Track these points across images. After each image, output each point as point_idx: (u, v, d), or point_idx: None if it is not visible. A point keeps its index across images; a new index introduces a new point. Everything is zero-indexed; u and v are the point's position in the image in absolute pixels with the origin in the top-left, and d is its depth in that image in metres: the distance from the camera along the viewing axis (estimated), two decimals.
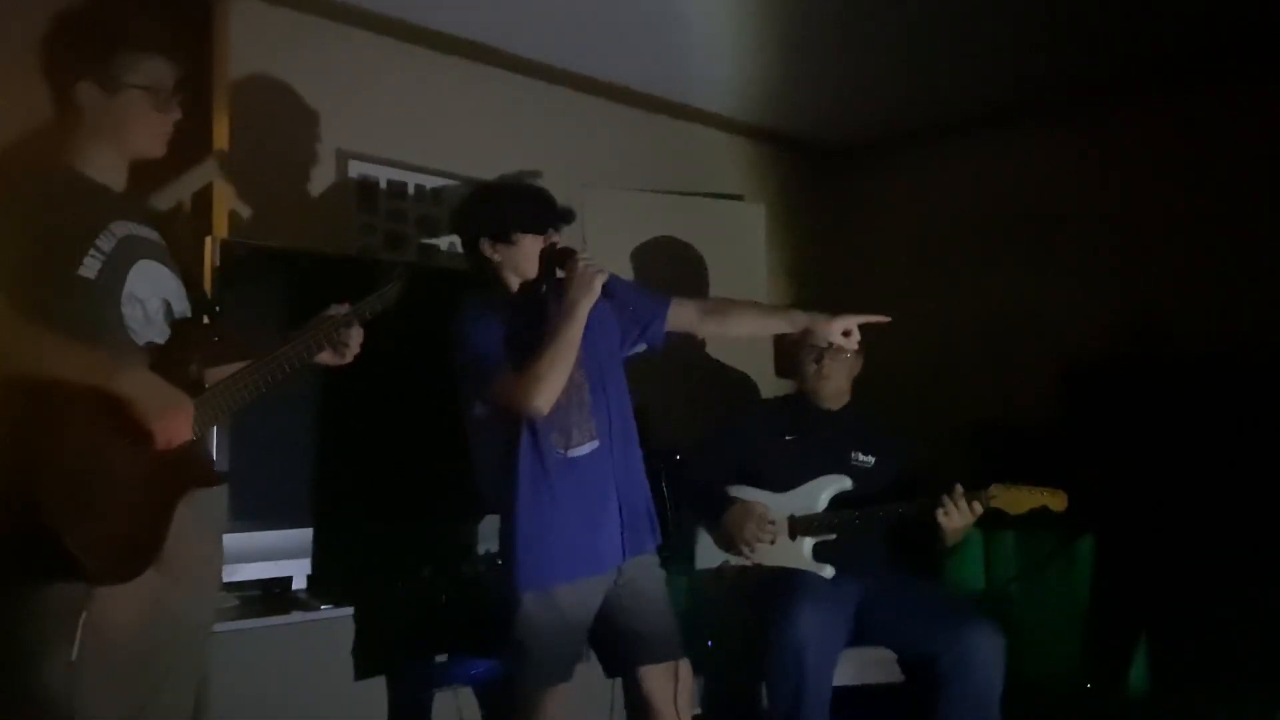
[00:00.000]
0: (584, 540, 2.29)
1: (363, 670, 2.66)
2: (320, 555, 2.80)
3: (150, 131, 1.89)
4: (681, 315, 2.55)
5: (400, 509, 3.00)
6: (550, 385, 2.20)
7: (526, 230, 2.34)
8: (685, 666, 2.41)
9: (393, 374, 2.89)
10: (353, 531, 2.89)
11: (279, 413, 2.49)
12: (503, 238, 2.34)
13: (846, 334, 2.51)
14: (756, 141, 4.79)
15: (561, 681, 2.29)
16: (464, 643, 2.91)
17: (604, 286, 2.27)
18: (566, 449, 2.29)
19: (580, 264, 2.28)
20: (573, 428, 2.30)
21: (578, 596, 2.29)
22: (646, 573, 2.41)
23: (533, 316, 2.33)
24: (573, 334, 2.23)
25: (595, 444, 2.32)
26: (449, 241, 3.65)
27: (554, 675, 2.28)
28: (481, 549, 3.06)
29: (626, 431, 2.40)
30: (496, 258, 2.36)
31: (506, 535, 2.28)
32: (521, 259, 2.36)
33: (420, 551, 2.99)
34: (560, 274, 2.32)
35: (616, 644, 2.38)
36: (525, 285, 2.39)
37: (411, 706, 2.77)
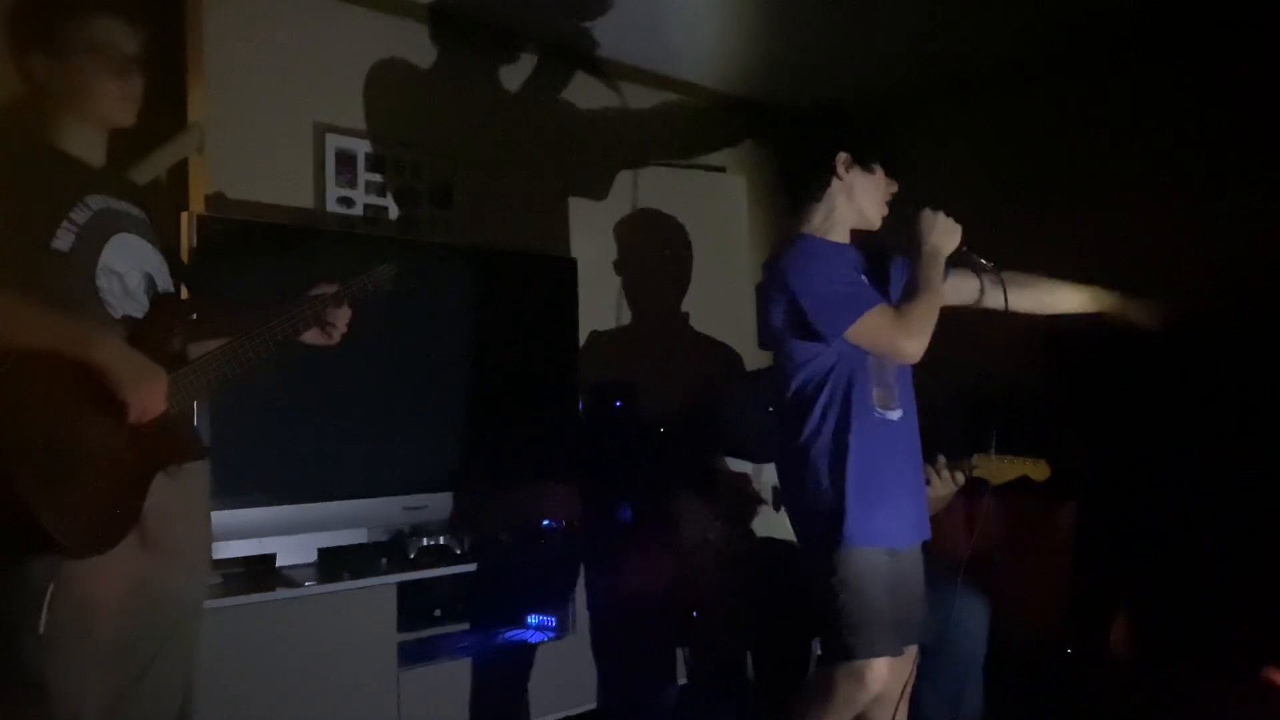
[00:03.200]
0: (909, 505, 2.22)
1: None
2: None
3: (109, 97, 1.83)
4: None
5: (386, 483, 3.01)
6: (927, 332, 2.11)
7: (884, 163, 2.24)
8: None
9: (376, 349, 2.89)
10: None
11: (262, 389, 2.47)
12: (864, 162, 2.22)
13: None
14: (738, 112, 4.76)
15: (889, 654, 2.12)
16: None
17: None
18: (886, 410, 2.21)
19: (941, 214, 2.20)
20: (887, 389, 2.22)
21: (904, 562, 2.19)
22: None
23: (874, 263, 2.24)
24: (939, 283, 2.16)
25: (900, 411, 2.25)
26: (429, 215, 3.63)
27: (886, 644, 2.12)
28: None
29: (914, 406, 2.32)
30: (846, 179, 2.23)
31: (826, 488, 2.13)
32: (871, 189, 2.24)
33: None
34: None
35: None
36: (851, 225, 2.26)
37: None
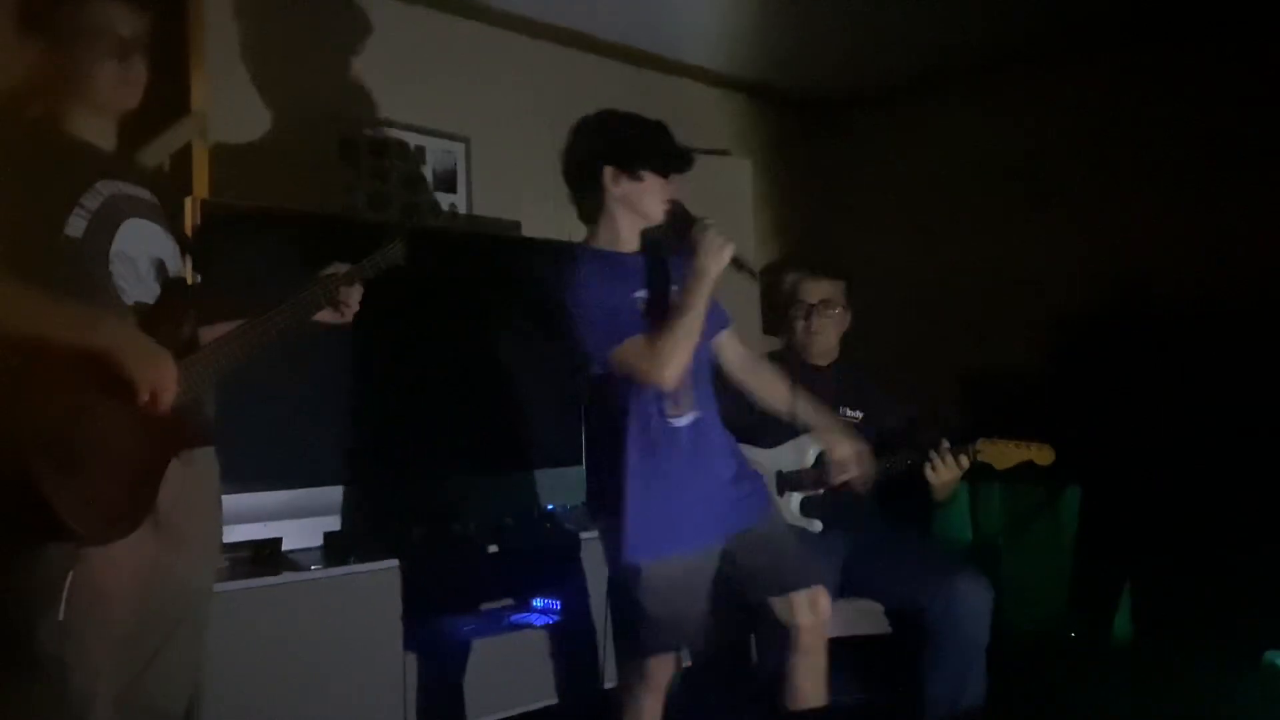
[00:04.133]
0: (694, 511, 2.22)
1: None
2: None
3: (111, 80, 1.81)
4: (729, 344, 2.50)
5: (392, 467, 3.02)
6: (681, 358, 2.12)
7: (654, 168, 2.21)
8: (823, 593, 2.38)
9: (383, 334, 2.89)
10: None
11: (270, 374, 2.48)
12: (629, 170, 2.20)
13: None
14: (743, 95, 4.75)
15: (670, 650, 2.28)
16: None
17: None
18: (676, 417, 2.22)
19: (710, 231, 2.15)
20: (681, 395, 2.22)
21: (690, 566, 2.23)
22: (763, 527, 2.37)
23: (654, 275, 2.24)
24: (702, 304, 2.14)
25: (696, 414, 2.25)
26: (431, 200, 3.63)
27: (667, 643, 2.26)
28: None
29: (713, 406, 2.34)
30: (617, 191, 2.22)
31: (613, 500, 2.17)
32: (644, 197, 2.22)
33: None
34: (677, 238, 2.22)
35: (747, 585, 2.38)
36: (640, 229, 2.26)
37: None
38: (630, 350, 2.13)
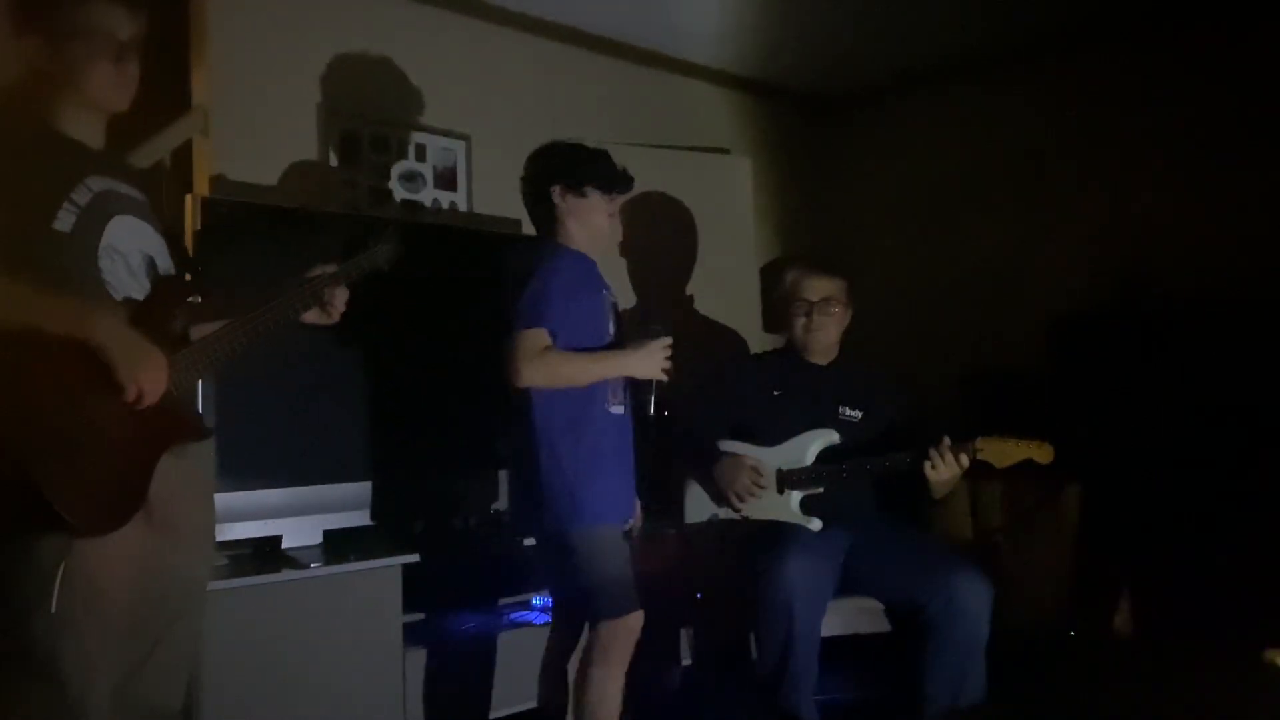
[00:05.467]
0: (623, 487, 2.51)
1: None
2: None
3: (103, 82, 1.82)
4: None
5: (393, 464, 3.02)
6: (549, 380, 2.36)
7: (597, 186, 2.50)
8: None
9: (380, 329, 2.89)
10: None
11: (268, 371, 2.48)
12: (574, 188, 2.48)
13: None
14: (742, 93, 4.74)
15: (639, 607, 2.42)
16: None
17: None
18: (614, 406, 2.48)
19: (664, 347, 2.46)
20: (617, 390, 2.49)
21: (619, 536, 2.46)
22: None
23: (595, 298, 2.50)
24: (602, 375, 2.42)
25: (621, 409, 2.50)
26: (432, 197, 3.63)
27: (632, 602, 2.41)
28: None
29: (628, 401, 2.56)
30: (564, 205, 2.48)
31: (566, 473, 2.38)
32: (588, 211, 2.50)
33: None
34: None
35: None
36: (586, 240, 2.52)
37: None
38: (523, 340, 2.33)
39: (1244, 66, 3.74)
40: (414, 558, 2.80)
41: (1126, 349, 3.77)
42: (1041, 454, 2.65)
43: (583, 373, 2.40)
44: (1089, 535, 3.43)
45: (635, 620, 2.41)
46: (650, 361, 2.46)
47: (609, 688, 2.39)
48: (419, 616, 2.86)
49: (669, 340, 2.47)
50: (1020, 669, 2.93)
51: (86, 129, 1.85)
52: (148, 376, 1.73)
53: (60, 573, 1.65)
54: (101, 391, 1.69)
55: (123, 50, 1.84)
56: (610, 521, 2.43)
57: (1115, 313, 3.92)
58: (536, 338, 2.33)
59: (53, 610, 1.64)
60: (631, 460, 2.55)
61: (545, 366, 2.34)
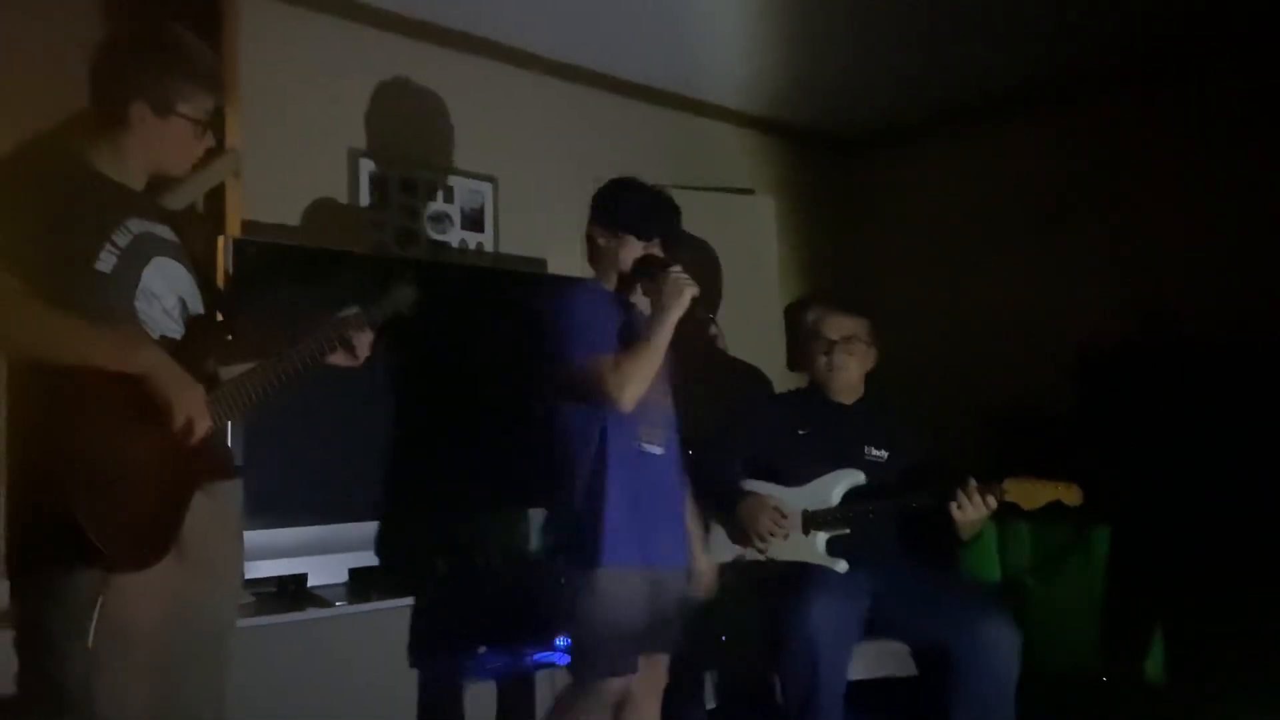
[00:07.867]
0: (657, 530, 2.38)
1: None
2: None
3: (185, 156, 1.96)
4: None
5: (418, 503, 3.03)
6: (639, 382, 2.29)
7: (630, 231, 2.45)
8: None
9: (407, 369, 2.91)
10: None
11: (295, 410, 2.50)
12: (611, 230, 2.46)
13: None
14: (766, 134, 4.78)
15: (628, 671, 2.31)
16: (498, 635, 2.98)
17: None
18: (650, 444, 2.40)
19: (671, 274, 2.36)
20: (655, 425, 2.42)
21: (655, 580, 2.36)
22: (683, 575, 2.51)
23: (626, 315, 2.46)
24: (660, 340, 2.32)
25: (664, 449, 2.43)
26: (460, 238, 3.66)
27: (622, 663, 2.31)
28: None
29: (676, 446, 2.50)
30: (604, 245, 2.48)
31: (586, 518, 2.31)
32: (623, 254, 2.46)
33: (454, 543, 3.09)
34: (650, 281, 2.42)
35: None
36: (619, 282, 2.49)
37: (446, 698, 2.82)
38: (597, 366, 2.29)
39: (1268, 103, 3.74)
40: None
41: (1154, 388, 3.73)
42: (1069, 495, 2.62)
43: (648, 353, 2.31)
44: (1119, 577, 3.38)
45: (618, 685, 2.31)
46: (675, 297, 2.35)
47: None
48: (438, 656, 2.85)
49: (677, 267, 2.39)
50: (1050, 714, 2.88)
51: (130, 174, 1.90)
52: (196, 410, 1.77)
53: (98, 608, 1.66)
54: (141, 427, 1.72)
55: (201, 128, 1.94)
56: (618, 564, 2.29)
57: (1142, 351, 3.89)
58: (601, 361, 2.31)
59: (89, 646, 1.66)
60: (670, 501, 2.45)
61: (624, 372, 2.28)
